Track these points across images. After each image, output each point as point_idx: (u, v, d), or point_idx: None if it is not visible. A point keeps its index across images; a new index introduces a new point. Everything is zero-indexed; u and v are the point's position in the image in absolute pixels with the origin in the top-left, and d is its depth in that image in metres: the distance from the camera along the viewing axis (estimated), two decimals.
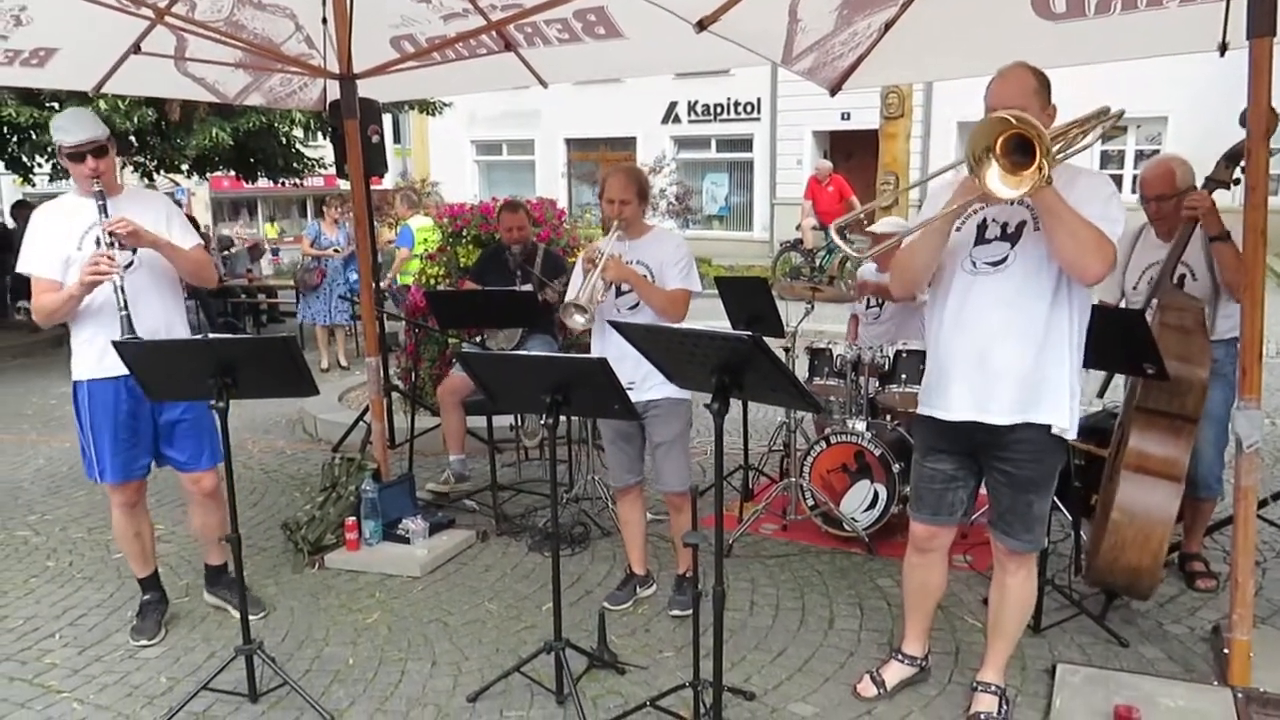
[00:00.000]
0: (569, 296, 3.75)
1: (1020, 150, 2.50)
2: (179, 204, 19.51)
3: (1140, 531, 3.45)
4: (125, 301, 3.38)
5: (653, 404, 3.75)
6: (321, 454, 6.13)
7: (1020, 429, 2.80)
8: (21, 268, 3.59)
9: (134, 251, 3.59)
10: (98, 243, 3.47)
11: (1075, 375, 2.82)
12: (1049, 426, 2.79)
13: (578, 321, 3.67)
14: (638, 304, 3.80)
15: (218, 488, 3.83)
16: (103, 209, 3.47)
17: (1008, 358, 2.77)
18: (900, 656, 3.34)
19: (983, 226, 2.84)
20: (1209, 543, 4.30)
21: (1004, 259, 2.78)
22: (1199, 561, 4.10)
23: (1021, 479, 2.88)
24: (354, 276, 10.09)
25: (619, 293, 3.83)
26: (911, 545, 3.21)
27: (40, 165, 11.58)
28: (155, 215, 3.69)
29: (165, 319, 3.67)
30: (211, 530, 3.94)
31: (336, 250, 9.66)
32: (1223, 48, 3.40)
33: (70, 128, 3.51)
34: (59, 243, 3.55)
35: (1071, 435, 2.84)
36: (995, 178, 2.52)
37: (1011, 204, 2.76)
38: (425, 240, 8.95)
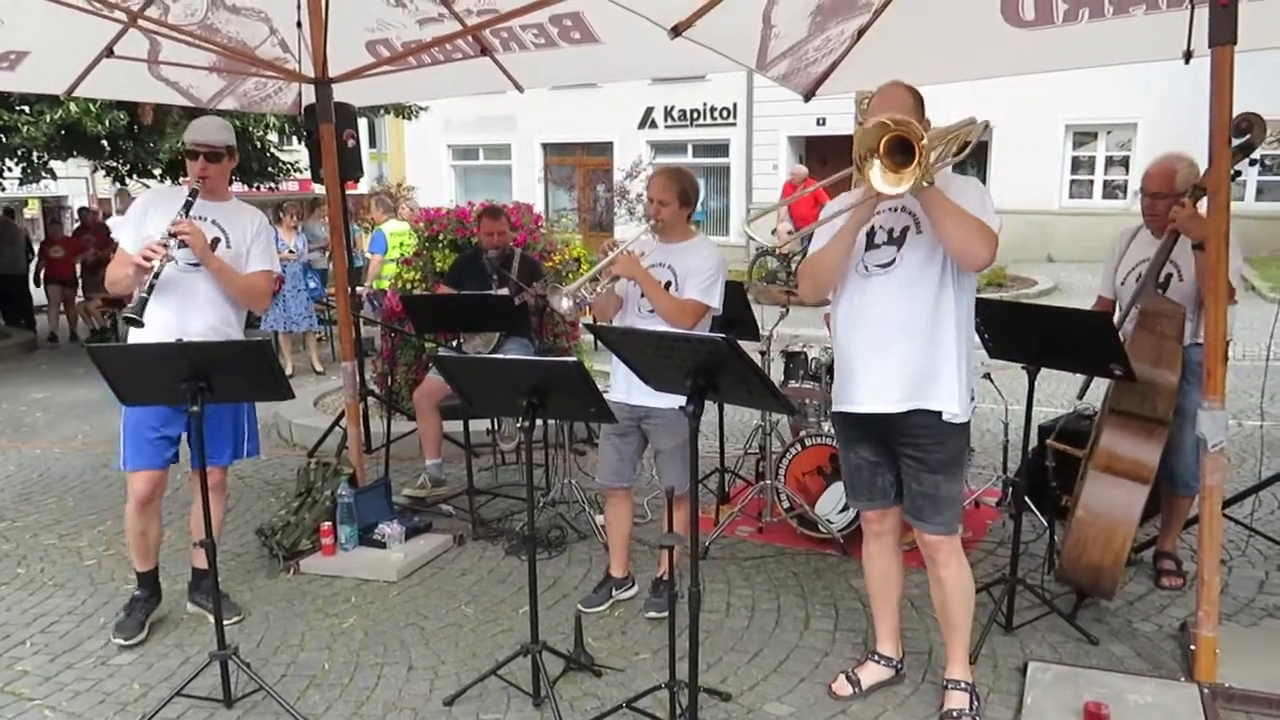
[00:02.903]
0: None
1: (902, 150, 2.71)
2: None
3: (1103, 531, 3.51)
4: (151, 286, 3.51)
5: (656, 411, 3.74)
6: (297, 459, 6.09)
7: (915, 415, 2.97)
8: (115, 234, 3.86)
9: None
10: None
11: (964, 363, 3.00)
12: (941, 413, 2.95)
13: (562, 305, 3.66)
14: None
15: (223, 482, 3.99)
16: (188, 205, 3.65)
17: (900, 351, 2.96)
18: (876, 657, 3.38)
19: (871, 233, 3.03)
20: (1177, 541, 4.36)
21: (891, 261, 2.98)
22: (1170, 560, 4.16)
23: (930, 462, 3.01)
24: (314, 284, 9.95)
25: (643, 292, 3.77)
26: (866, 535, 3.34)
27: (9, 169, 11.44)
28: (241, 230, 3.85)
29: (215, 320, 3.76)
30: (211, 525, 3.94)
31: (291, 252, 9.58)
32: (1187, 55, 3.45)
33: (195, 128, 3.79)
34: (149, 223, 3.72)
35: (962, 420, 2.99)
36: (878, 176, 2.74)
37: (896, 211, 2.99)
38: (400, 245, 8.93)
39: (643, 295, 3.78)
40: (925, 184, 2.74)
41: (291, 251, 9.59)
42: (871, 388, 3.01)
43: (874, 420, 3.05)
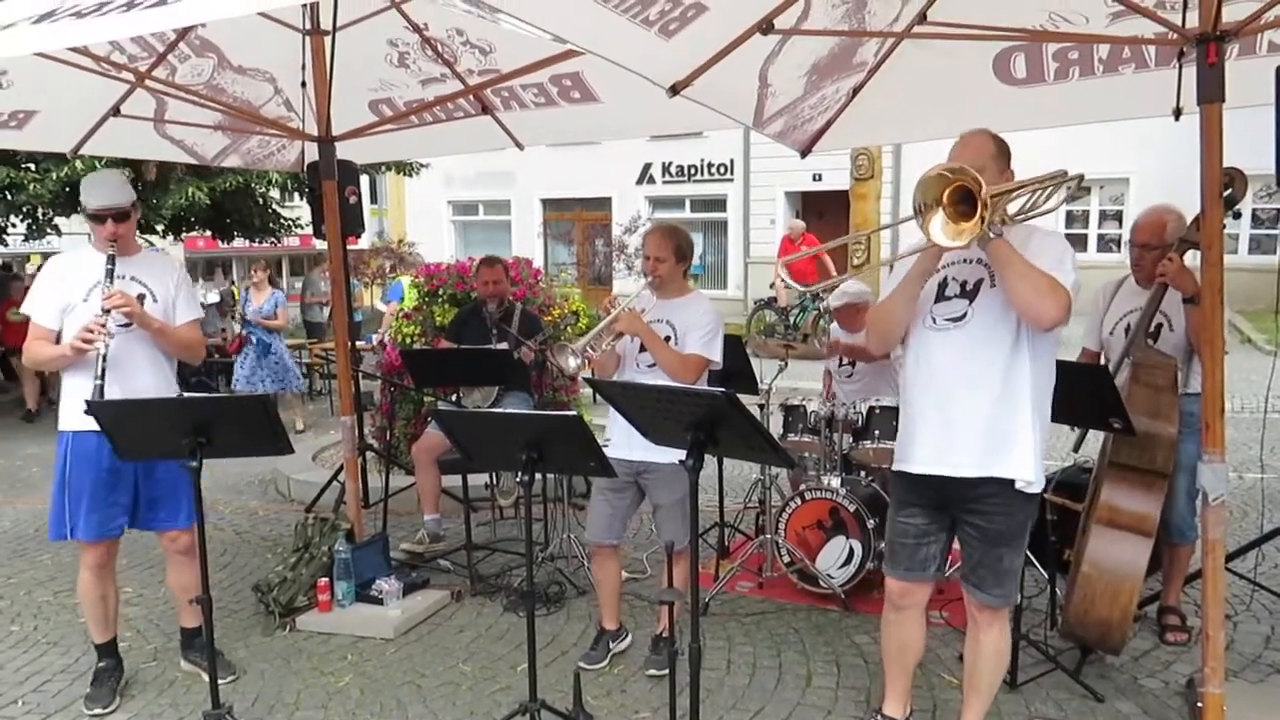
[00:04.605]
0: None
1: (965, 201, 2.62)
2: None
3: (1110, 585, 3.49)
4: (104, 370, 3.41)
5: (654, 466, 3.73)
6: (294, 514, 6.06)
7: (986, 483, 2.85)
8: (25, 308, 3.67)
9: None
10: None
11: (1038, 428, 2.87)
12: (1014, 481, 2.83)
13: (568, 364, 3.69)
14: (656, 362, 3.78)
15: (194, 546, 3.78)
16: (109, 273, 3.53)
17: (967, 410, 2.84)
18: (880, 718, 3.30)
19: (943, 285, 2.95)
20: (1180, 595, 4.33)
21: (963, 315, 2.88)
22: (1175, 615, 4.12)
23: (992, 533, 2.90)
24: (275, 343, 9.52)
25: (643, 347, 3.80)
26: (888, 602, 3.22)
27: (14, 225, 11.53)
28: (164, 284, 3.77)
29: (156, 380, 3.70)
30: (189, 588, 3.87)
31: (267, 319, 9.29)
32: (1177, 112, 3.53)
33: (97, 190, 3.61)
34: (64, 291, 3.61)
35: (1036, 489, 2.88)
36: (939, 227, 2.64)
37: (969, 263, 2.89)
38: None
39: (641, 351, 3.80)
40: (992, 235, 2.64)
41: (266, 319, 9.28)
42: (935, 449, 2.90)
43: (934, 483, 2.94)
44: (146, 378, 3.65)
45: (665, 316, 3.84)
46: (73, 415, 3.60)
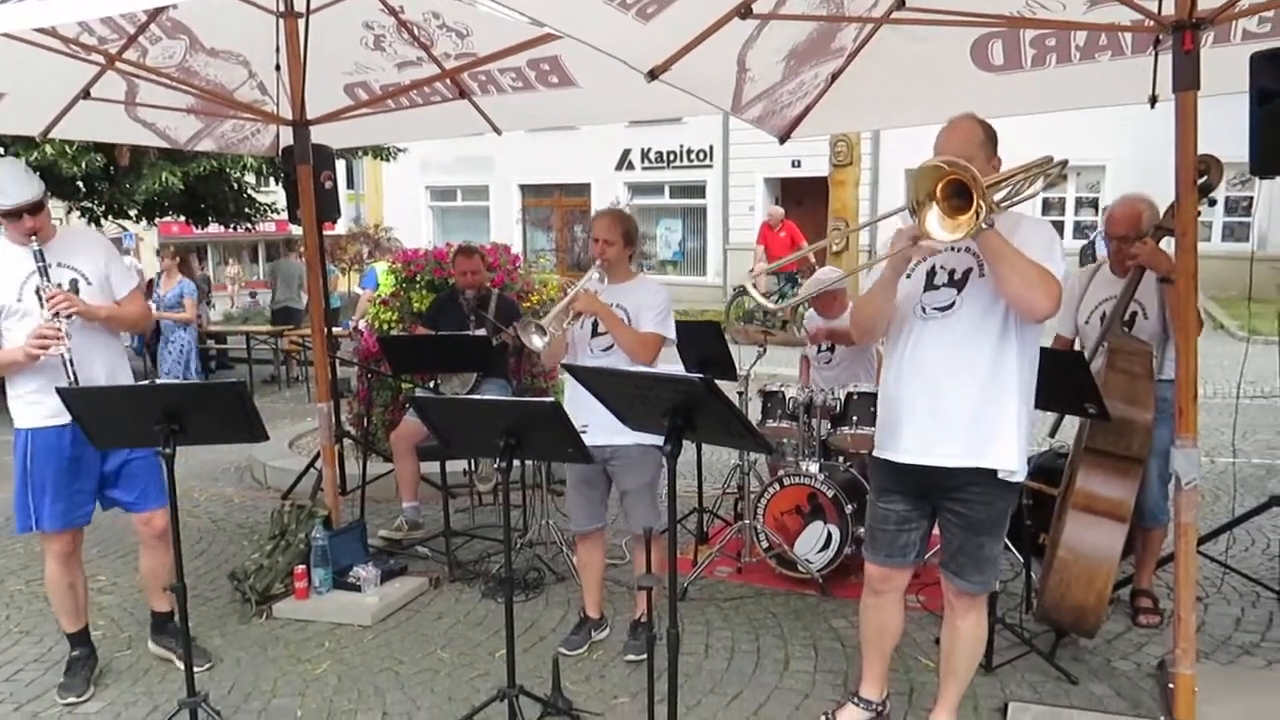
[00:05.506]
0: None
1: (960, 195, 2.60)
2: (126, 251, 19.15)
3: (1086, 570, 3.53)
4: (75, 375, 3.35)
5: (620, 450, 3.73)
6: (271, 502, 6.02)
7: (969, 472, 2.85)
8: None
9: None
10: (38, 293, 3.44)
11: (1024, 418, 2.87)
12: (997, 470, 2.84)
13: (534, 342, 3.69)
14: (611, 345, 3.79)
15: (169, 528, 3.76)
16: (43, 270, 3.44)
17: (954, 401, 2.84)
18: (857, 700, 3.32)
19: (931, 274, 2.93)
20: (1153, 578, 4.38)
21: (951, 304, 2.87)
22: (1147, 597, 4.18)
23: (974, 521, 2.91)
24: (177, 335, 9.31)
25: (595, 332, 3.82)
26: (867, 586, 3.23)
27: None
28: (95, 262, 3.68)
29: (108, 368, 3.66)
30: (160, 574, 3.86)
31: (170, 310, 9.02)
32: (1152, 100, 3.55)
33: (4, 188, 3.45)
34: None
35: (1019, 478, 2.88)
36: (934, 222, 2.63)
37: (959, 251, 2.87)
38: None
39: (594, 336, 3.83)
40: (984, 226, 2.61)
41: (178, 309, 8.99)
42: (920, 438, 2.89)
43: (917, 472, 2.94)
44: (100, 365, 3.61)
45: (616, 300, 3.84)
46: (27, 413, 3.58)
